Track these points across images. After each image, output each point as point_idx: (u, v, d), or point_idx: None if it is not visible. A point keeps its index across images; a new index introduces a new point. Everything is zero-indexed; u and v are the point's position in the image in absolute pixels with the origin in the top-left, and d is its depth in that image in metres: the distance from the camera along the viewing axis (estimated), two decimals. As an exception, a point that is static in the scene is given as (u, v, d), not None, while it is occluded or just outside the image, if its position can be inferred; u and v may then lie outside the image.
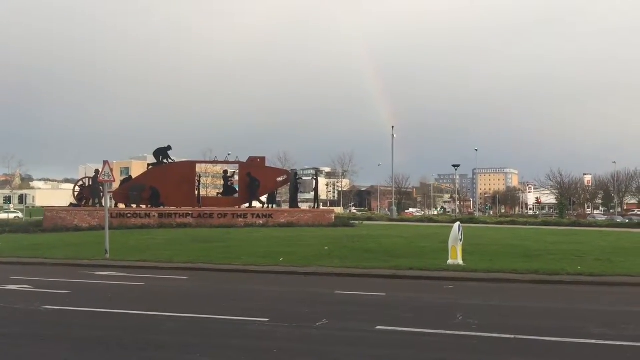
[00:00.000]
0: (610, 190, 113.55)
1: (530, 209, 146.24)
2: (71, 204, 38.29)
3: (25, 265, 19.09)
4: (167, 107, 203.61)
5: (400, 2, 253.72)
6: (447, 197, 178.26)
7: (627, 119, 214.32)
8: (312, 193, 44.46)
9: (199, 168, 43.88)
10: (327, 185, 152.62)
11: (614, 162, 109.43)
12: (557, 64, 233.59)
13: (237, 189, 39.53)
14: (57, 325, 9.84)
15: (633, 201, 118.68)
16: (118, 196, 38.54)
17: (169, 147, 38.55)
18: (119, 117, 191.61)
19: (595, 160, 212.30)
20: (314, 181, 42.87)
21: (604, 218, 67.78)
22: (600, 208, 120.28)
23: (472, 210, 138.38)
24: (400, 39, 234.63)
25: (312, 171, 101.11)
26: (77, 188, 38.65)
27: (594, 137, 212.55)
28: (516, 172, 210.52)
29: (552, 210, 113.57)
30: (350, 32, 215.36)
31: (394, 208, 69.91)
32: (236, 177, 40.40)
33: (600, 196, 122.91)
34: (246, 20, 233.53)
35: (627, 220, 56.95)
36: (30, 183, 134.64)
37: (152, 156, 40.53)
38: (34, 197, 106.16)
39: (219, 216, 35.05)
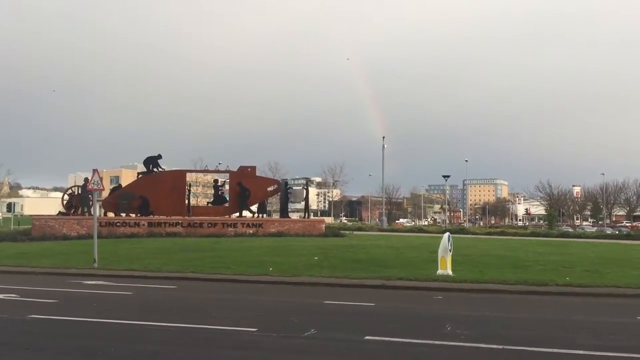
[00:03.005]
0: (599, 202, 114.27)
1: (520, 220, 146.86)
2: (60, 213, 38.02)
3: (12, 274, 18.94)
4: (158, 116, 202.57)
5: (392, 13, 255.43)
6: (437, 207, 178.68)
7: (616, 130, 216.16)
8: (303, 203, 44.25)
9: (189, 177, 43.67)
10: (317, 195, 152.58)
11: (603, 174, 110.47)
12: (547, 76, 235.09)
13: (228, 198, 39.44)
14: (43, 334, 9.74)
15: (621, 213, 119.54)
16: (107, 205, 38.33)
17: (159, 156, 38.39)
18: (109, 125, 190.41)
19: (584, 172, 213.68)
20: (305, 191, 42.72)
21: (593, 230, 68.21)
22: (589, 219, 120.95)
23: (462, 221, 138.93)
24: (391, 49, 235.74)
25: (302, 181, 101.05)
26: (66, 196, 38.42)
27: (583, 149, 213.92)
28: (506, 183, 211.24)
29: (541, 221, 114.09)
30: (342, 43, 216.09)
31: (385, 218, 69.92)
32: (227, 187, 40.28)
33: (589, 207, 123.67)
34: (239, 30, 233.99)
35: (617, 232, 57.27)
36: (19, 191, 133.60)
37: (143, 165, 40.35)
38: (22, 206, 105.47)
39: (209, 225, 34.90)
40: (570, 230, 61.20)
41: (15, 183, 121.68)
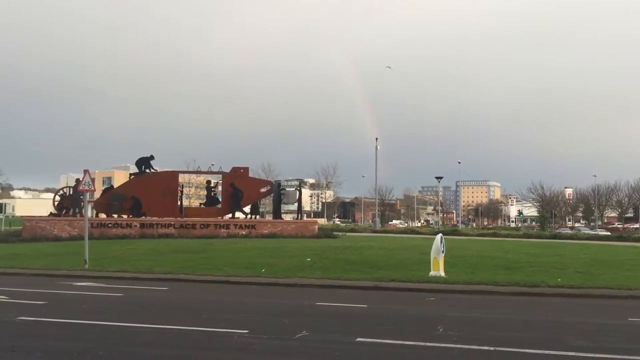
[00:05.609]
0: (590, 204, 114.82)
1: (513, 222, 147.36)
2: (51, 214, 37.79)
3: (2, 275, 18.77)
4: (150, 116, 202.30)
5: (387, 14, 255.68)
6: (430, 209, 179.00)
7: (608, 132, 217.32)
8: (296, 204, 44.22)
9: (182, 178, 43.49)
10: (311, 196, 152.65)
11: (595, 176, 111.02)
12: (540, 78, 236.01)
13: (220, 200, 39.33)
14: (31, 336, 9.64)
15: (613, 214, 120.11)
16: (99, 206, 38.13)
17: (152, 157, 38.24)
18: (102, 125, 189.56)
19: (576, 174, 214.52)
20: (298, 192, 42.74)
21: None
22: (581, 221, 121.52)
23: (455, 222, 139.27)
24: (385, 50, 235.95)
25: (296, 182, 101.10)
26: (57, 197, 38.17)
27: (575, 151, 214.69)
28: (499, 184, 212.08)
29: (533, 222, 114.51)
30: (336, 43, 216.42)
31: (378, 219, 69.83)
32: (219, 188, 40.18)
33: (581, 209, 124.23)
34: (233, 30, 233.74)
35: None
36: (10, 192, 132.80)
37: (135, 166, 40.18)
38: (13, 207, 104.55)
39: (202, 227, 34.77)
40: (568, 231, 60.61)
41: (7, 184, 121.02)
